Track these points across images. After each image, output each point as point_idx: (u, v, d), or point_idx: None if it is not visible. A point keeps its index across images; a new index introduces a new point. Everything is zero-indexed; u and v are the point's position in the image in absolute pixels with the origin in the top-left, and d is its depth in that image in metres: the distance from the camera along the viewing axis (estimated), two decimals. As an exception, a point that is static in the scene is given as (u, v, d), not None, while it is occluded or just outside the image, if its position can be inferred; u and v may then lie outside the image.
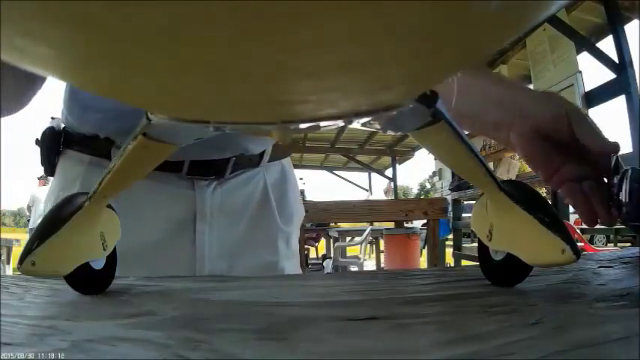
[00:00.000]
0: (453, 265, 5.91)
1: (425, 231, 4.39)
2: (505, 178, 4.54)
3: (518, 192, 0.44)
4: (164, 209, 0.67)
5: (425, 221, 4.09)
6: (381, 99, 0.29)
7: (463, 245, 6.23)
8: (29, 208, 7.74)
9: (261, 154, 0.74)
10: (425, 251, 4.34)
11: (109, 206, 0.47)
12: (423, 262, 4.55)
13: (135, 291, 0.45)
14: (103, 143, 0.66)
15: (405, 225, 4.51)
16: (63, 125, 0.71)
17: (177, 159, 0.66)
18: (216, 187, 0.69)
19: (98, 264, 0.45)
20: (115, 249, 0.48)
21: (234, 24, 0.15)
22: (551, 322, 0.28)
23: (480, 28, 0.19)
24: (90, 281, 0.44)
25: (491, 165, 4.68)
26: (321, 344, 0.26)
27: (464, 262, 5.83)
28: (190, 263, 0.67)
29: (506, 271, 0.46)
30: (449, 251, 6.56)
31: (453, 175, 5.93)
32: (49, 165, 0.71)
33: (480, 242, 0.49)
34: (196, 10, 0.14)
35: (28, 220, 8.05)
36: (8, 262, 4.75)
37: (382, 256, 5.15)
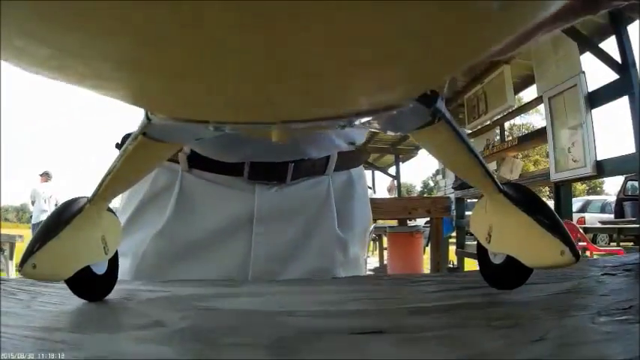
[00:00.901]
0: (456, 263, 5.91)
1: (428, 228, 4.38)
2: (508, 178, 4.48)
3: (518, 194, 0.44)
4: (222, 210, 0.68)
5: (428, 218, 4.08)
6: (381, 99, 0.29)
7: (466, 243, 6.23)
8: (32, 204, 7.77)
9: (326, 162, 0.73)
10: (428, 248, 4.33)
11: (110, 210, 0.47)
12: (426, 259, 4.54)
13: (141, 297, 0.45)
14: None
15: (408, 222, 4.50)
16: None
17: (237, 160, 0.67)
18: (277, 191, 0.70)
19: (100, 268, 0.45)
20: (116, 253, 0.48)
21: (235, 25, 0.15)
22: (554, 338, 0.28)
23: (484, 27, 0.18)
24: (91, 286, 0.44)
25: (494, 164, 4.65)
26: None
27: (467, 260, 5.84)
28: (243, 263, 0.68)
29: (506, 274, 0.46)
30: (452, 249, 6.55)
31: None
32: None
33: (479, 244, 0.49)
34: (195, 10, 0.14)
35: (31, 217, 8.07)
36: (11, 258, 4.75)
37: (385, 253, 5.14)
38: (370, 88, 0.24)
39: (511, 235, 0.44)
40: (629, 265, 0.55)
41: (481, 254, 0.49)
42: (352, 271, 0.77)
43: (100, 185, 0.43)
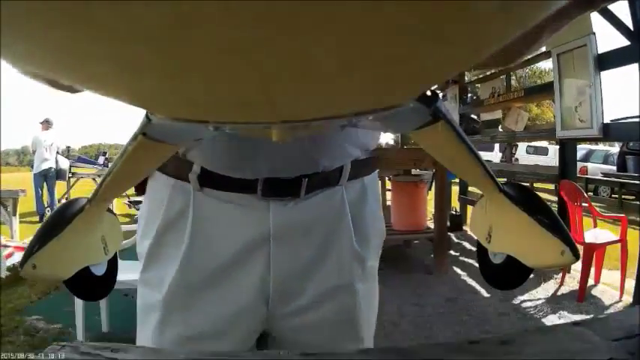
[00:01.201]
0: (458, 209, 5.93)
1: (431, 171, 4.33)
2: (513, 129, 4.41)
3: (518, 193, 0.44)
4: (239, 232, 0.68)
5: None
6: (382, 99, 0.29)
7: (469, 190, 6.24)
8: (34, 153, 7.75)
9: (340, 173, 0.71)
10: (432, 192, 4.30)
11: (110, 210, 0.48)
12: (430, 199, 4.50)
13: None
14: (181, 164, 0.66)
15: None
16: None
17: (250, 177, 0.65)
18: (292, 207, 0.68)
19: (100, 269, 0.45)
20: (115, 254, 0.48)
21: (235, 26, 0.15)
22: None
23: (484, 28, 0.18)
24: (90, 287, 0.45)
25: (499, 113, 4.59)
26: None
27: (469, 208, 5.87)
28: (263, 284, 0.68)
29: (506, 274, 0.46)
30: (455, 190, 6.56)
31: (461, 117, 5.87)
32: (139, 185, 0.71)
33: (479, 244, 0.49)
34: (195, 10, 0.14)
35: (32, 165, 8.07)
36: (15, 214, 4.76)
37: (388, 194, 5.16)
38: (370, 88, 0.25)
39: (511, 235, 0.44)
40: (631, 342, 0.53)
41: (481, 254, 0.49)
42: (370, 285, 0.77)
43: (100, 186, 0.43)
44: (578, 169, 5.21)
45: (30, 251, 0.39)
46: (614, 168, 10.50)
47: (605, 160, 11.61)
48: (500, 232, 0.46)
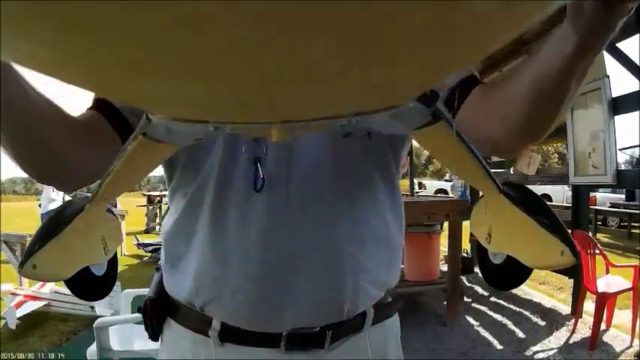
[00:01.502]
0: (469, 251, 5.85)
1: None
2: (525, 172, 4.36)
3: (518, 194, 0.44)
4: None
5: (440, 185, 3.94)
6: (382, 98, 0.29)
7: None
8: (41, 192, 7.75)
9: (363, 320, 0.70)
10: (445, 227, 4.23)
11: (110, 210, 0.47)
12: (442, 237, 4.39)
13: None
14: (200, 319, 0.65)
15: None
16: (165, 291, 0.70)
17: (275, 331, 0.65)
18: None
19: (100, 269, 0.45)
20: (115, 254, 0.48)
21: (236, 26, 0.15)
22: None
23: (484, 27, 0.18)
24: (90, 287, 0.44)
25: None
26: None
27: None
28: None
29: (506, 274, 0.45)
30: (466, 226, 6.44)
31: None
32: (153, 332, 0.70)
33: (478, 245, 0.49)
34: (195, 11, 0.14)
35: (40, 205, 8.04)
36: (23, 258, 4.73)
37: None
38: (370, 88, 0.25)
39: (511, 236, 0.44)
40: None
41: (481, 254, 0.49)
42: None
43: (100, 185, 0.43)
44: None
45: (30, 251, 0.39)
46: (623, 196, 10.51)
47: (614, 189, 11.62)
48: (500, 232, 0.46)
